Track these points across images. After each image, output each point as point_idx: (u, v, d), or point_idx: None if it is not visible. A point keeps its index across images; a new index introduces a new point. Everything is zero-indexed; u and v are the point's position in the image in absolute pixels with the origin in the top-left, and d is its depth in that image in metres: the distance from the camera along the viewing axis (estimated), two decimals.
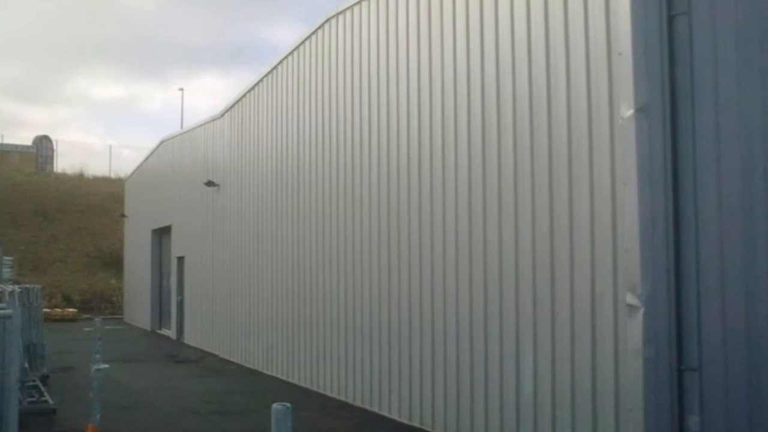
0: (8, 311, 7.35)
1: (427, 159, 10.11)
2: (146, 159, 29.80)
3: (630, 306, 6.67)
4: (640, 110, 6.74)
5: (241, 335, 17.72)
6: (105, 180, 47.11)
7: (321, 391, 13.11)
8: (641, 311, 6.58)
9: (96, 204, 41.73)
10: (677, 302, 6.70)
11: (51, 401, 11.48)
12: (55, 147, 53.91)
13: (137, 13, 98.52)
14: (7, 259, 20.45)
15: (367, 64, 11.91)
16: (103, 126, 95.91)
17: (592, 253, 7.22)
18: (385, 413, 10.93)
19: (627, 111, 6.81)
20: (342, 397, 12.35)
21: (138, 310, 29.73)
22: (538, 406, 7.86)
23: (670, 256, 6.72)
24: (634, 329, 6.64)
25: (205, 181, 20.01)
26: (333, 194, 12.91)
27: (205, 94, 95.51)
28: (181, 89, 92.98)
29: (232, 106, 18.71)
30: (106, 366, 8.93)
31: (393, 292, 10.89)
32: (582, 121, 7.42)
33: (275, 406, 3.42)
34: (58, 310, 30.72)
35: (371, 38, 11.84)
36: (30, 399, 11.40)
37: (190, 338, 22.39)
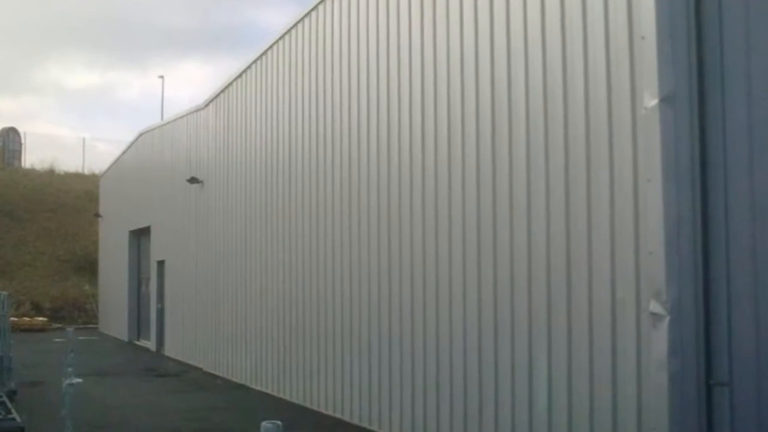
0: None
1: (431, 154, 10.11)
2: (123, 153, 29.86)
3: (654, 314, 6.67)
4: (665, 100, 6.74)
5: (227, 347, 17.73)
6: (78, 176, 47.14)
7: (314, 407, 13.11)
8: (666, 320, 6.58)
9: (68, 203, 41.76)
10: (705, 310, 6.70)
11: (18, 419, 11.46)
12: (23, 140, 53.91)
13: None
14: None
15: (365, 50, 11.90)
16: (76, 117, 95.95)
17: (613, 256, 7.22)
18: None
19: (651, 101, 6.81)
20: (337, 414, 12.35)
21: (114, 319, 29.76)
22: (552, 424, 7.86)
23: (697, 260, 6.73)
24: (659, 340, 6.63)
25: (188, 177, 20.05)
26: (328, 192, 12.91)
27: (188, 83, 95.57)
28: (161, 77, 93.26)
29: (217, 96, 18.73)
30: (79, 380, 8.94)
31: (394, 300, 10.88)
32: (601, 111, 7.42)
33: (265, 424, 3.43)
34: (27, 319, 30.73)
35: (369, 21, 11.83)
36: None
37: (171, 350, 22.41)
